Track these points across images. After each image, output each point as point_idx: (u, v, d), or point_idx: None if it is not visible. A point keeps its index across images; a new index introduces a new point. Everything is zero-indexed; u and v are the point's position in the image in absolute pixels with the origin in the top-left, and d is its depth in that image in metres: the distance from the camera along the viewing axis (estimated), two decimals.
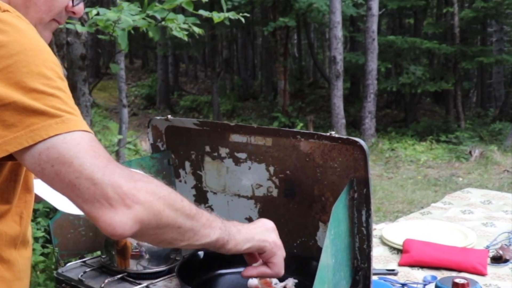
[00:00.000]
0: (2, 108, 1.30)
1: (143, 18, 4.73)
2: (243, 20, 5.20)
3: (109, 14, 4.58)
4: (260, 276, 1.84)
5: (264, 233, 1.71)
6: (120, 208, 1.31)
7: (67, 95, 1.38)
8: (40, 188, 1.84)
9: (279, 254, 1.75)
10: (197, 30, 4.92)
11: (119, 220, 1.31)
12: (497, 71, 22.56)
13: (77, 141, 1.32)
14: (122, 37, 4.64)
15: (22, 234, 1.60)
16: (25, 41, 1.35)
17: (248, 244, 1.67)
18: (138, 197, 1.33)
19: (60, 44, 5.91)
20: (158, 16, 4.77)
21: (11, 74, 1.31)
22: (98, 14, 4.63)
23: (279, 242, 1.75)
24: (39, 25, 1.55)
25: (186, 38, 4.97)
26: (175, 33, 4.85)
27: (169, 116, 2.50)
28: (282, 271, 1.77)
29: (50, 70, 1.36)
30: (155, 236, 1.42)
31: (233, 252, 1.65)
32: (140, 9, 4.82)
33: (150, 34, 4.86)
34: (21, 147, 1.31)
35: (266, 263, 1.76)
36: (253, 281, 2.11)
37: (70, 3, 1.63)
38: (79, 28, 4.75)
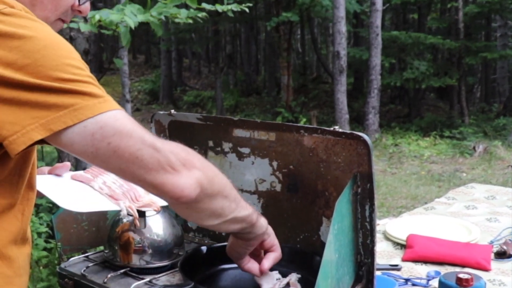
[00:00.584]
0: (38, 92, 1.29)
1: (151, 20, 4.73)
2: (247, 9, 5.19)
3: (112, 16, 4.58)
4: (275, 263, 1.92)
5: (268, 229, 1.82)
6: (184, 171, 1.39)
7: (97, 82, 1.39)
8: (42, 185, 1.84)
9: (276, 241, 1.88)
10: (200, 15, 4.90)
11: (185, 182, 1.38)
12: (501, 66, 22.50)
13: (127, 117, 1.36)
14: (124, 34, 4.64)
15: (22, 231, 1.60)
16: (47, 36, 1.35)
17: (264, 228, 1.73)
18: (195, 163, 1.42)
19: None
20: (162, 17, 4.77)
21: (41, 67, 1.30)
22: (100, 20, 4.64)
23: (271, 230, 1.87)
24: None
25: (190, 21, 4.94)
26: (178, 20, 4.84)
27: (172, 111, 2.49)
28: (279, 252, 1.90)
29: (78, 61, 1.36)
30: (208, 205, 1.50)
31: (255, 235, 1.74)
32: (143, 9, 4.81)
33: (153, 27, 4.85)
34: (65, 126, 1.30)
35: (267, 250, 1.88)
36: (254, 280, 2.11)
37: (76, 2, 1.62)
38: (82, 27, 4.74)
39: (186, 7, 4.96)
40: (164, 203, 1.90)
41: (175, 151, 1.40)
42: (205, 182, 1.44)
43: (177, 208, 1.53)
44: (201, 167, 1.44)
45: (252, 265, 1.92)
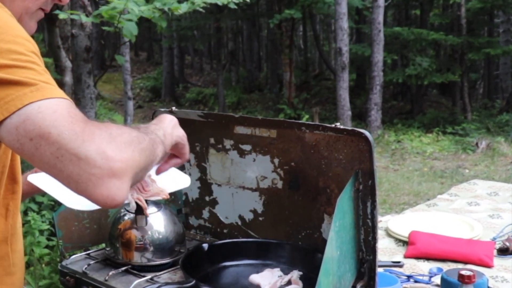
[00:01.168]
0: None
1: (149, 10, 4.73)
2: (248, 0, 5.18)
3: (116, 2, 4.58)
4: (174, 166, 1.84)
5: (174, 128, 1.69)
6: (112, 179, 1.23)
7: (41, 68, 1.31)
8: (44, 182, 1.83)
9: (187, 144, 1.78)
10: (200, 2, 4.90)
11: (115, 191, 1.23)
12: (504, 62, 22.46)
13: (53, 109, 1.23)
14: (131, 27, 4.64)
15: (10, 226, 1.57)
16: None
17: (171, 144, 1.66)
18: (122, 156, 1.25)
19: (64, 36, 5.91)
20: (166, 8, 4.77)
21: None
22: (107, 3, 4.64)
23: (184, 133, 1.77)
24: (25, 15, 1.52)
25: (190, 10, 4.94)
26: (178, 12, 4.84)
27: (174, 108, 2.49)
28: (188, 156, 1.82)
29: (20, 45, 1.29)
30: (140, 177, 1.38)
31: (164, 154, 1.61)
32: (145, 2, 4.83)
33: (156, 22, 4.86)
34: None
35: (177, 155, 1.78)
36: (255, 277, 2.11)
37: None
38: (84, 18, 4.75)
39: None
40: (173, 190, 1.89)
41: (100, 149, 1.22)
42: (135, 170, 1.29)
43: None
44: (129, 156, 1.27)
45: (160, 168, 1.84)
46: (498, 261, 2.49)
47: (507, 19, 21.46)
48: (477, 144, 14.13)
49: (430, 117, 18.70)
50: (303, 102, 20.99)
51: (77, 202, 1.76)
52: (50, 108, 1.23)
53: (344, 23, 15.65)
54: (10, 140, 1.24)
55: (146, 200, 2.05)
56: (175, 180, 1.95)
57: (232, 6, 5.26)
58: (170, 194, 2.02)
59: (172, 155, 1.78)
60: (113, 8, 4.60)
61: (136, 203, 1.90)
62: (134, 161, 1.27)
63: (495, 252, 2.56)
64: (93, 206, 1.81)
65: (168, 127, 1.64)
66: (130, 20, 4.66)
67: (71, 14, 4.76)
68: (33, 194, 2.07)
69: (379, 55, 16.36)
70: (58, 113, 1.23)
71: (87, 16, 4.89)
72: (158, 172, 1.81)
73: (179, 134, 1.71)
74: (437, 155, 13.73)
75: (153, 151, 1.39)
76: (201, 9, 5.05)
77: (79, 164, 1.20)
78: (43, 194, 1.90)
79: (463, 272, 1.82)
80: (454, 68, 18.83)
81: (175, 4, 4.75)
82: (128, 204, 1.99)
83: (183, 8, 4.81)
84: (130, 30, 4.65)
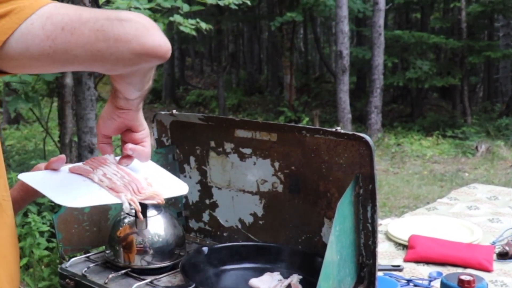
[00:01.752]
0: None
1: (150, 8, 4.74)
2: (248, 2, 5.20)
3: (120, 1, 4.59)
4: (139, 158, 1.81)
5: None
6: (151, 28, 1.29)
7: None
8: (37, 181, 1.80)
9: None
10: (204, 26, 4.93)
11: (160, 35, 1.31)
12: (504, 65, 22.47)
13: (66, 5, 1.27)
14: None
15: None
16: None
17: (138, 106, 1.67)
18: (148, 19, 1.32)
19: None
20: (169, 5, 4.78)
21: None
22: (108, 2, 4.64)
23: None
24: None
25: (193, 33, 4.97)
26: (182, 28, 4.86)
27: (174, 111, 2.50)
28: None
29: None
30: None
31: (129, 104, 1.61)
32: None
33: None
34: (12, 31, 1.22)
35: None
36: (255, 281, 2.12)
37: None
38: None
39: (189, 2, 4.98)
40: (168, 196, 1.88)
41: (131, 11, 1.31)
42: (98, 46, 1.27)
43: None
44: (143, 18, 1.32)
45: (106, 146, 1.78)
46: (497, 266, 2.49)
47: (507, 23, 21.46)
48: (477, 147, 14.13)
49: (430, 120, 18.70)
50: (303, 105, 20.99)
51: (71, 199, 1.74)
52: (65, 5, 1.26)
53: (345, 26, 15.66)
54: (38, 43, 1.23)
55: (145, 204, 2.05)
56: (172, 186, 1.94)
57: (233, 6, 5.27)
58: (167, 199, 2.02)
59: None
60: (116, 8, 4.61)
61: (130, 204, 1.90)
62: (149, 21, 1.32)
63: (494, 256, 2.56)
64: (89, 202, 1.79)
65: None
66: None
67: None
68: (29, 201, 2.04)
69: (379, 58, 16.36)
70: (73, 6, 1.27)
71: None
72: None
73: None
74: (437, 159, 13.73)
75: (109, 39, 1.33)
76: (204, 31, 5.07)
77: (122, 24, 1.26)
78: (42, 196, 1.88)
79: (463, 277, 1.83)
80: (454, 72, 18.83)
81: (179, 2, 4.76)
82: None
83: (185, 8, 4.82)
84: None
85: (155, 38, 1.29)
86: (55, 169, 1.76)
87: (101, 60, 1.28)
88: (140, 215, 1.89)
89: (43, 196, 1.86)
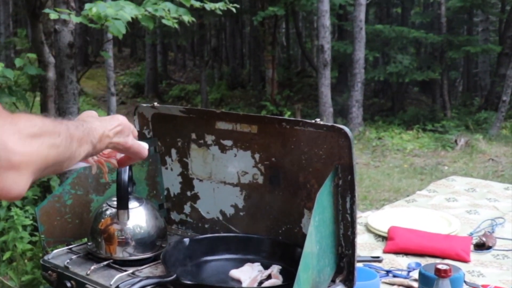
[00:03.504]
0: None
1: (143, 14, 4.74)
2: (234, 10, 5.21)
3: (108, 10, 4.58)
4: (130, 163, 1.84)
5: (118, 135, 1.61)
6: (9, 169, 1.16)
7: None
8: None
9: (136, 147, 1.69)
10: (186, 18, 4.93)
11: (12, 181, 1.17)
12: (483, 60, 22.60)
13: None
14: (119, 25, 4.64)
15: None
16: None
17: (105, 147, 1.58)
18: (25, 149, 1.19)
19: (47, 31, 5.89)
20: (157, 14, 4.78)
21: None
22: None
23: (130, 141, 1.67)
24: None
25: (176, 26, 4.97)
26: (164, 21, 4.86)
27: (156, 104, 2.51)
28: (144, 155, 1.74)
29: None
30: (51, 171, 1.32)
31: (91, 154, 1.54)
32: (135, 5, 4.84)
33: (144, 23, 4.86)
34: None
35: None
36: (236, 272, 2.13)
37: None
38: (74, 19, 4.74)
39: (172, 0, 4.97)
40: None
41: (2, 139, 1.15)
42: (41, 167, 1.23)
43: None
44: (33, 150, 1.21)
45: None
46: (474, 256, 2.53)
47: (485, 18, 21.60)
48: (456, 141, 14.19)
49: (410, 114, 18.77)
50: (285, 99, 20.99)
51: None
52: None
53: (326, 21, 15.65)
54: None
55: (127, 196, 2.07)
56: None
57: (219, 12, 5.29)
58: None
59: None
60: (105, 16, 4.61)
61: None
62: (38, 155, 1.22)
63: (472, 247, 2.60)
64: None
65: (111, 131, 1.58)
66: (118, 19, 4.66)
67: (60, 13, 4.75)
68: None
69: (360, 53, 16.39)
70: None
71: (71, 13, 4.88)
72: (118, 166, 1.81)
73: (121, 141, 1.62)
74: (417, 152, 13.79)
75: (69, 148, 1.34)
76: (187, 23, 5.06)
77: None
78: None
79: (439, 266, 1.85)
80: (434, 66, 18.93)
81: (163, 5, 4.76)
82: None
83: (172, 10, 4.82)
84: (118, 27, 4.66)
85: (5, 183, 1.16)
86: None
87: None
88: (106, 176, 1.91)
89: None
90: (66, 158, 1.33)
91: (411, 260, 2.49)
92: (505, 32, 19.50)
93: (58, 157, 1.28)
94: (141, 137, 2.62)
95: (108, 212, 2.26)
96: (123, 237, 2.23)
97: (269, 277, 2.10)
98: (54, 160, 1.27)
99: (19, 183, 1.18)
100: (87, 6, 4.69)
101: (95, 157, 1.78)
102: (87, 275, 2.16)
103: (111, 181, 2.42)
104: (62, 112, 5.19)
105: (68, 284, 2.18)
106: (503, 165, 11.94)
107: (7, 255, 5.09)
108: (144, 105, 2.54)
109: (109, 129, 1.56)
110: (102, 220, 2.26)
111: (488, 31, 21.73)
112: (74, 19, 4.72)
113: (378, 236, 2.78)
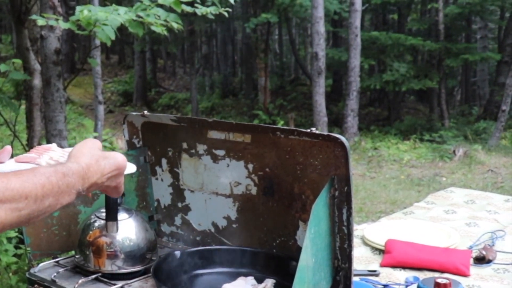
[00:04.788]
0: None
1: (133, 19, 4.70)
2: (226, 14, 5.18)
3: (100, 14, 4.53)
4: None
5: (110, 179, 1.54)
6: None
7: None
8: None
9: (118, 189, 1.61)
10: (175, 26, 4.88)
11: None
12: (482, 68, 22.65)
13: None
14: (108, 32, 4.59)
15: None
16: None
17: (96, 189, 1.51)
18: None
19: (34, 38, 5.83)
20: (149, 19, 4.73)
21: None
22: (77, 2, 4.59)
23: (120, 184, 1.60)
24: None
25: (165, 33, 4.92)
26: (154, 28, 4.81)
27: (146, 112, 2.45)
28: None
29: None
30: (15, 227, 1.31)
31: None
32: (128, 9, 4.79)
33: (133, 30, 4.81)
34: None
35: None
36: (228, 286, 2.08)
37: None
38: (62, 25, 4.68)
39: (162, 6, 4.92)
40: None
41: None
42: (10, 220, 1.24)
43: None
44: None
45: None
46: (474, 270, 2.47)
47: (484, 25, 21.65)
48: (454, 151, 14.18)
49: (407, 124, 18.77)
50: (278, 108, 21.01)
51: None
52: None
53: (321, 27, 15.63)
54: None
55: (116, 207, 2.00)
56: None
57: (211, 16, 5.25)
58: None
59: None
60: (95, 21, 4.56)
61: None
62: (10, 208, 1.23)
63: (471, 260, 2.54)
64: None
65: (105, 176, 1.51)
66: (107, 25, 4.61)
67: (48, 18, 4.69)
68: None
69: (356, 60, 16.38)
70: None
71: (59, 18, 4.82)
72: None
73: (111, 184, 1.55)
74: (414, 163, 13.76)
75: (38, 206, 1.30)
76: (176, 30, 5.02)
77: None
78: None
79: (439, 281, 1.81)
80: (431, 74, 18.89)
81: (154, 10, 4.71)
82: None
83: (163, 15, 4.78)
84: (107, 34, 4.61)
85: None
86: (1, 162, 1.70)
87: None
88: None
89: None
90: (34, 216, 1.30)
91: (409, 274, 2.44)
92: (505, 40, 19.57)
93: (19, 219, 1.26)
94: (131, 146, 2.57)
95: (96, 224, 2.21)
96: (112, 250, 2.18)
97: None
98: (11, 223, 1.25)
99: None
100: (78, 8, 4.63)
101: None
102: None
103: (99, 192, 2.37)
104: (49, 121, 5.12)
105: None
106: (503, 176, 11.92)
107: None
108: (134, 113, 2.49)
109: (104, 174, 1.49)
110: (90, 232, 2.21)
111: (487, 39, 21.80)
112: (62, 25, 4.66)
113: (375, 249, 2.73)
